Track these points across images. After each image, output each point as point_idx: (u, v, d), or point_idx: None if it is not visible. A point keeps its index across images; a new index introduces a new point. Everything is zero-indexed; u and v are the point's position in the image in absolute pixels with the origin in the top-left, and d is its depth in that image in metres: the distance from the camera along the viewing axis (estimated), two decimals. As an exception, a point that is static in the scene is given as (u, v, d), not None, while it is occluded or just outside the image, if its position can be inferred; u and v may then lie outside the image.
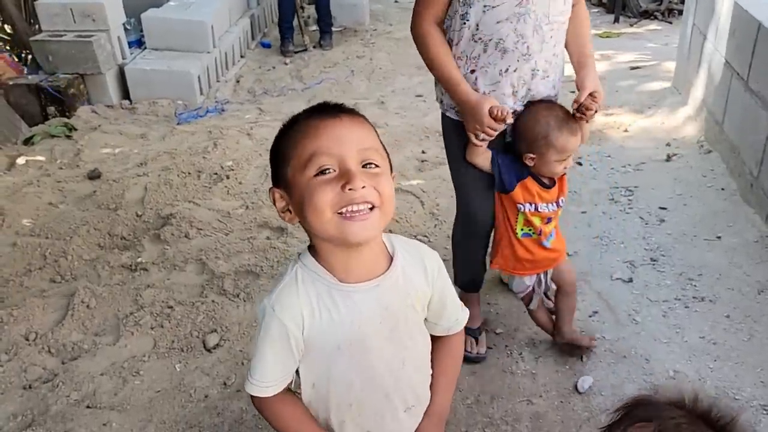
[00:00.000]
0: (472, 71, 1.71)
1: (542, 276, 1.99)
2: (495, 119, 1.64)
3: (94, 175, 3.43)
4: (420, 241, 2.71)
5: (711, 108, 3.13)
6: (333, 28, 5.72)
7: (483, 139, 1.73)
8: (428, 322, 1.18)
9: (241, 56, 5.30)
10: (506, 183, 1.81)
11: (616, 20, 5.57)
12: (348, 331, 1.05)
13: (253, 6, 5.67)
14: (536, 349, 2.14)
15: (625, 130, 3.63)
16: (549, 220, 1.89)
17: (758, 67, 2.58)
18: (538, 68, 1.70)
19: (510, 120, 1.69)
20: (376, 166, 0.99)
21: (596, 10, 6.10)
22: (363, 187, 0.95)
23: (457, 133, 1.82)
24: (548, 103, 1.76)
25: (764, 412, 1.82)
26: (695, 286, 2.32)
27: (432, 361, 1.19)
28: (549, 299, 2.11)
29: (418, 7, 1.75)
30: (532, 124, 1.73)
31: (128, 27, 4.62)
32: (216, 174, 3.39)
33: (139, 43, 4.76)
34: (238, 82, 4.95)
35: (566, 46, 1.78)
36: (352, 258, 1.03)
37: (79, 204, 3.17)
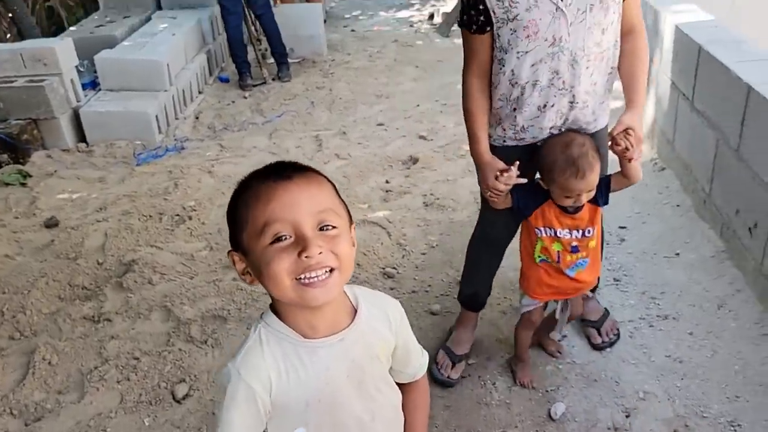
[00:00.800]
0: (513, 109, 1.78)
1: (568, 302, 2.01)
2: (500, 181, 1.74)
3: (51, 224, 3.35)
4: (388, 273, 2.74)
5: (662, 127, 3.23)
6: (291, 60, 5.75)
7: (490, 196, 1.81)
8: (393, 370, 1.18)
9: (200, 92, 5.27)
10: (522, 208, 1.84)
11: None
12: (316, 387, 1.04)
13: (209, 41, 5.66)
14: (509, 377, 2.15)
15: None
16: (575, 248, 1.85)
17: (701, 88, 2.68)
18: (576, 100, 1.74)
19: (515, 182, 1.75)
20: (333, 227, 0.98)
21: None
22: (320, 252, 0.95)
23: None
24: (572, 136, 1.75)
25: (731, 428, 1.85)
26: (658, 304, 2.37)
27: (403, 407, 1.18)
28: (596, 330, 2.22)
29: (465, 58, 1.81)
30: (543, 155, 1.77)
31: (81, 69, 4.57)
32: (178, 215, 3.35)
33: (93, 85, 4.70)
34: (197, 118, 4.91)
35: (621, 78, 1.79)
36: (316, 315, 1.03)
37: (36, 255, 3.09)
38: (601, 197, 1.81)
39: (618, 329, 2.24)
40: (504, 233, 2.06)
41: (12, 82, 4.16)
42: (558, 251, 1.87)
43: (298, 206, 0.96)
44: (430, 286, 2.67)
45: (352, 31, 7.10)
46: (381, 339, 1.11)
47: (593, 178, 1.73)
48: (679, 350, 2.16)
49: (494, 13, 1.65)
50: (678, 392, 2.00)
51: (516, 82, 1.73)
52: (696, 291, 2.40)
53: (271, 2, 5.69)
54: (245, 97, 5.27)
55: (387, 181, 3.57)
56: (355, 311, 1.09)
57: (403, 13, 7.87)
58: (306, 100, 5.06)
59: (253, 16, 5.52)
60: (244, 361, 1.02)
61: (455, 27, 6.60)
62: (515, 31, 1.66)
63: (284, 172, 0.99)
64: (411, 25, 7.16)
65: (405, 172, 3.66)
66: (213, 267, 2.91)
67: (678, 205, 2.91)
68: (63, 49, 4.29)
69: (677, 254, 2.61)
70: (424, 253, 2.90)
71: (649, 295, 2.42)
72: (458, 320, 2.28)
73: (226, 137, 4.50)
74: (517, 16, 1.63)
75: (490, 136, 1.87)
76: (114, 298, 2.72)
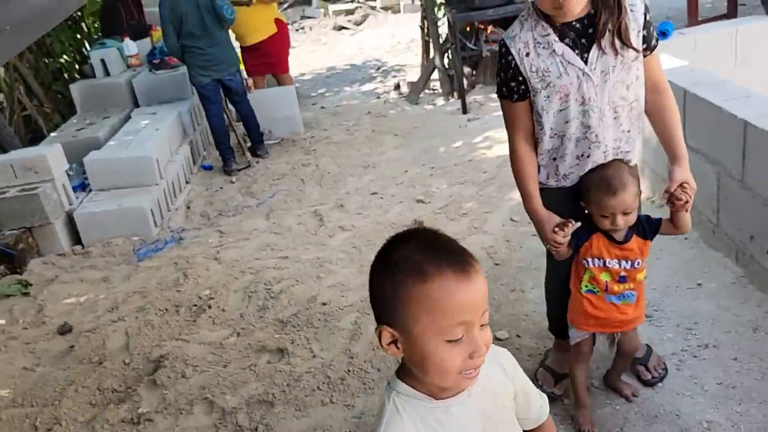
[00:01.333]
0: (554, 159, 1.94)
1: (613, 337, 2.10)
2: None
3: (64, 330, 3.28)
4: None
5: (653, 167, 3.40)
6: (270, 141, 5.89)
7: (552, 249, 1.93)
8: (519, 419, 1.21)
9: (187, 182, 5.31)
10: (573, 244, 1.95)
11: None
12: None
13: (190, 132, 5.74)
14: (569, 426, 2.16)
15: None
16: (623, 278, 1.96)
17: (693, 127, 2.86)
18: (608, 149, 1.90)
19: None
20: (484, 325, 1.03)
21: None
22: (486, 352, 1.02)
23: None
24: (609, 161, 1.91)
25: (801, 444, 1.91)
26: (695, 334, 2.45)
27: None
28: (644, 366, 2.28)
29: (508, 126, 1.97)
30: (583, 180, 1.94)
31: (70, 173, 4.56)
32: (196, 306, 3.32)
33: (82, 187, 4.70)
34: (188, 207, 4.93)
35: (658, 136, 1.96)
36: None
37: (57, 363, 3.00)
38: (649, 232, 1.93)
39: (665, 363, 2.30)
40: (563, 267, 2.14)
41: (4, 193, 4.12)
42: (606, 281, 1.98)
43: (476, 307, 0.99)
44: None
45: (322, 108, 7.31)
46: (502, 387, 1.15)
47: (626, 198, 1.85)
48: (728, 377, 2.22)
49: (530, 82, 1.84)
50: (740, 417, 2.05)
51: (554, 134, 1.90)
52: (727, 317, 2.49)
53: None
54: (232, 182, 5.33)
55: (398, 248, 3.62)
56: None
57: (368, 87, 8.16)
58: (295, 178, 5.14)
59: (230, 103, 5.67)
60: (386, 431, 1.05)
61: (423, 94, 6.88)
62: (549, 96, 1.84)
63: (462, 264, 0.99)
64: (378, 97, 7.41)
65: (413, 237, 3.72)
66: (245, 353, 2.88)
67: (686, 239, 3.05)
68: (54, 155, 4.30)
69: (699, 284, 2.72)
70: (452, 314, 2.93)
71: (684, 326, 2.50)
72: (554, 346, 2.38)
73: (223, 223, 4.51)
74: (550, 83, 1.83)
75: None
76: (149, 396, 2.66)
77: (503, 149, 4.92)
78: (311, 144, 5.94)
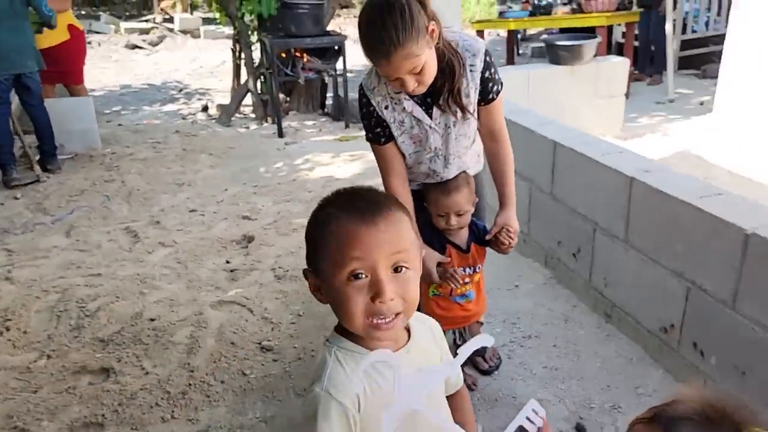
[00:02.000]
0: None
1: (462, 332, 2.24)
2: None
3: None
4: (265, 346, 2.69)
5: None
6: (63, 156, 5.31)
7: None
8: None
9: (-43, 196, 4.53)
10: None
11: (347, 125, 6.29)
12: (397, 399, 1.08)
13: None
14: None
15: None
16: (465, 282, 2.13)
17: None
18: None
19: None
20: (407, 268, 1.05)
21: (324, 119, 6.79)
22: (391, 299, 1.02)
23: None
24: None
25: (616, 410, 2.23)
26: (519, 327, 2.73)
27: (454, 416, 1.26)
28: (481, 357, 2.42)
29: (381, 168, 2.05)
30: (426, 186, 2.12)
31: None
32: (-12, 329, 2.83)
33: None
34: (-40, 225, 4.20)
35: (493, 179, 2.13)
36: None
37: None
38: (483, 239, 2.15)
39: (499, 354, 2.53)
40: None
41: None
42: (452, 287, 2.13)
43: (378, 249, 1.01)
44: (313, 350, 2.68)
45: (120, 125, 6.80)
46: (432, 350, 1.20)
47: (459, 199, 2.05)
48: (551, 361, 2.51)
49: (391, 128, 1.98)
50: (564, 393, 2.33)
51: (410, 166, 2.09)
52: (543, 312, 2.83)
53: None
54: (17, 198, 4.68)
55: (227, 261, 3.49)
56: (409, 328, 1.17)
57: (170, 107, 7.80)
58: (98, 195, 4.68)
59: (24, 107, 5.02)
60: (330, 382, 1.04)
61: (235, 117, 6.77)
62: (405, 141, 2.01)
63: (368, 212, 1.03)
64: (184, 118, 7.11)
65: (243, 251, 3.62)
66: (59, 376, 2.52)
67: (499, 249, 3.40)
68: None
69: (516, 286, 3.05)
70: (293, 323, 2.90)
71: (509, 321, 2.78)
72: None
73: (10, 241, 3.93)
74: (404, 131, 1.99)
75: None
76: (-64, 434, 2.19)
77: (326, 171, 5.07)
78: (113, 160, 5.47)
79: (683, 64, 7.71)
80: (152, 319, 2.90)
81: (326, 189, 4.46)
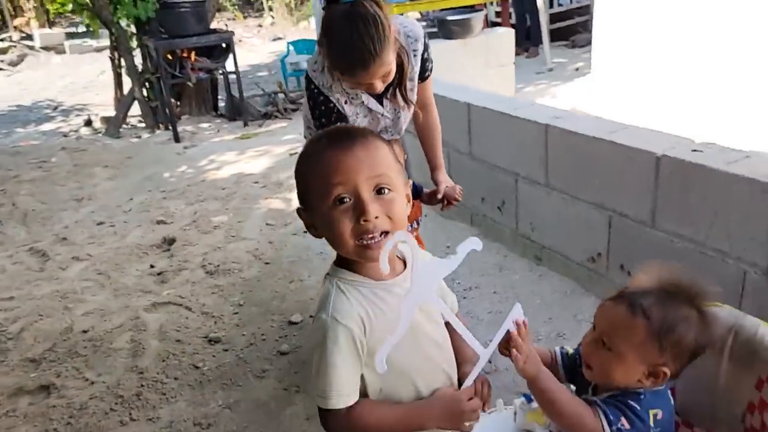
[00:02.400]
0: None
1: None
2: None
3: None
4: (213, 338, 2.65)
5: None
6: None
7: None
8: None
9: None
10: None
11: (246, 124, 6.18)
12: (414, 283, 1.13)
13: None
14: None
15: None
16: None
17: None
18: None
19: None
20: (389, 189, 1.09)
21: (219, 120, 6.63)
22: (376, 217, 1.06)
23: None
24: None
25: (561, 338, 2.41)
26: (459, 282, 2.86)
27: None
28: None
29: None
30: None
31: None
32: None
33: None
34: None
35: (422, 147, 2.22)
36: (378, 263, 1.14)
37: None
38: (420, 195, 2.22)
39: (446, 307, 2.64)
40: None
41: None
42: None
43: (357, 171, 1.06)
44: (263, 334, 2.67)
45: (-4, 147, 6.30)
46: None
47: (397, 150, 2.13)
48: (494, 306, 2.66)
49: (349, 119, 2.01)
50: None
51: None
52: (478, 266, 2.97)
53: None
54: None
55: (152, 266, 3.36)
56: (403, 258, 1.22)
57: (48, 126, 7.32)
58: (-13, 221, 4.32)
59: None
60: (336, 309, 1.08)
61: (123, 128, 6.46)
62: (359, 123, 2.05)
63: (346, 141, 1.09)
64: (66, 135, 6.69)
65: (166, 254, 3.50)
66: (-7, 402, 2.34)
67: (425, 215, 3.53)
68: None
69: (448, 247, 3.18)
70: (236, 313, 2.86)
71: (448, 279, 2.85)
72: None
73: None
74: (358, 119, 2.03)
75: None
76: None
77: (235, 168, 4.98)
78: (-5, 183, 5.06)
79: (553, 36, 8.25)
80: (85, 331, 2.76)
81: (240, 185, 4.41)
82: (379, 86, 1.81)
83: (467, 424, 1.14)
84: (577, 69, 6.94)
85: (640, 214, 2.28)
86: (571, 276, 2.72)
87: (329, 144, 1.09)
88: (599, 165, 2.40)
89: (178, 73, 5.99)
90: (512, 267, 2.93)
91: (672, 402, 1.24)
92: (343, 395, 1.07)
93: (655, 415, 1.18)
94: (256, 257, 3.35)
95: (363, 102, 1.99)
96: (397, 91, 1.97)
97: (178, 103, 6.65)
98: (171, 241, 3.61)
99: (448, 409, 1.12)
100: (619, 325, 1.19)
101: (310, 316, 2.75)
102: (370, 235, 1.06)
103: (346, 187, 1.04)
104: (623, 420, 1.15)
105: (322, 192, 1.05)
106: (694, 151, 2.12)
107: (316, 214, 1.09)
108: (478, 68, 4.82)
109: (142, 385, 2.37)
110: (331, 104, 1.97)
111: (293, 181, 1.14)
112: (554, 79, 6.70)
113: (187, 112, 6.68)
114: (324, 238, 1.12)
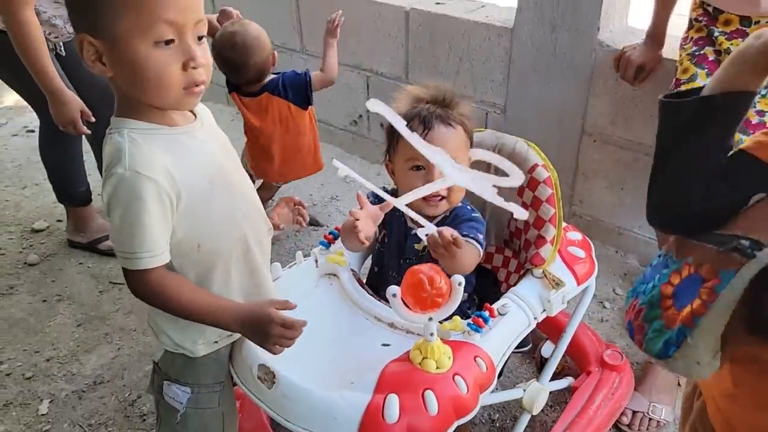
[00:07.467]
0: None
1: None
2: None
3: None
4: None
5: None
6: None
7: None
8: None
9: None
10: None
11: None
12: (209, 163, 1.03)
13: None
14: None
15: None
16: None
17: None
18: None
19: None
20: (204, 38, 0.98)
21: None
22: (203, 65, 0.95)
23: None
24: None
25: (333, 200, 2.47)
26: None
27: None
28: None
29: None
30: None
31: None
32: None
33: None
34: None
35: None
36: (175, 111, 1.01)
37: None
38: None
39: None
40: None
41: None
42: None
43: (190, 13, 0.92)
44: (1, 248, 2.28)
45: None
46: (219, 129, 1.15)
47: None
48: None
49: None
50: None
51: None
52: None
53: None
54: None
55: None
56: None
57: None
58: None
59: None
60: (135, 161, 0.93)
61: None
62: None
63: None
64: None
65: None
66: None
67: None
68: None
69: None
70: None
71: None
72: None
73: None
74: None
75: None
76: None
77: None
78: None
79: None
80: None
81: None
82: None
83: (277, 347, 1.02)
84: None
85: (395, 70, 2.38)
86: (335, 142, 2.78)
87: None
88: (354, 27, 2.41)
89: None
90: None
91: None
92: (157, 254, 0.96)
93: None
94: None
95: None
96: None
97: None
98: None
99: (256, 322, 1.01)
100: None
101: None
102: (198, 82, 0.94)
103: (176, 28, 0.90)
104: (479, 235, 1.25)
105: (144, 27, 0.88)
106: (438, 3, 2.24)
107: (120, 48, 0.89)
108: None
109: None
110: None
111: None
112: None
113: None
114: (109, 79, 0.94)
